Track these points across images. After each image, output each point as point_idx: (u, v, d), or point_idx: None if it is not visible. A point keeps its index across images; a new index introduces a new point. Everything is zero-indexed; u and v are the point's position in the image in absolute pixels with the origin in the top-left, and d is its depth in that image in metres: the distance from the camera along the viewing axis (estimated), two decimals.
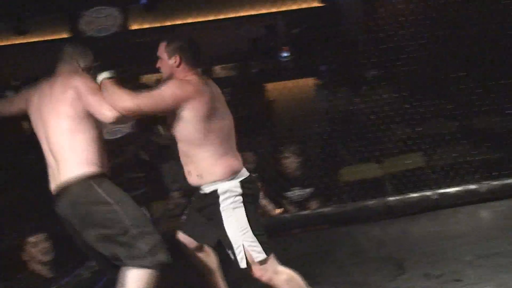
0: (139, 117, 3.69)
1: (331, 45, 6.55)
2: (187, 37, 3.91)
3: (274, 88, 7.52)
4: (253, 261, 3.56)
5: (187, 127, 3.53)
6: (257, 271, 3.60)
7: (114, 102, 3.46)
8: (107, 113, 3.46)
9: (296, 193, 5.95)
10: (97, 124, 3.62)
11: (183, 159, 3.68)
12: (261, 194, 5.70)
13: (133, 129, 5.16)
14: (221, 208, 3.56)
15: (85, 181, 3.52)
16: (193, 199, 3.88)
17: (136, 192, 5.14)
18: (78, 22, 5.48)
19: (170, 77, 3.65)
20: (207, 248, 3.95)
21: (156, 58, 3.71)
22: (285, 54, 7.71)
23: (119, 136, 5.10)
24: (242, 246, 3.55)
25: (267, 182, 5.89)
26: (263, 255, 3.56)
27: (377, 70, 6.84)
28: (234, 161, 3.64)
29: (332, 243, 5.34)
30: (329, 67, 6.94)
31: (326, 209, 5.83)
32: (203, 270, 3.97)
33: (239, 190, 3.58)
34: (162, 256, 3.52)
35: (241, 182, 3.60)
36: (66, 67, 3.74)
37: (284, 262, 4.88)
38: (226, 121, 3.66)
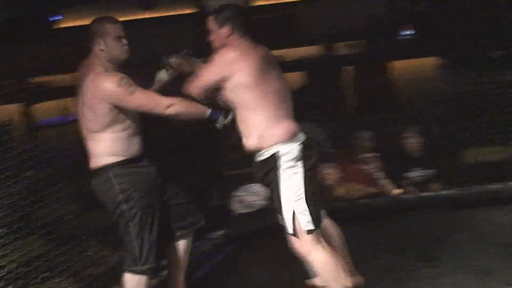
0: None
1: (455, 24, 6.38)
2: (234, 6, 3.87)
3: (396, 67, 7.43)
4: (300, 230, 3.54)
5: (241, 92, 3.55)
6: (299, 241, 3.57)
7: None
8: None
9: (417, 174, 5.90)
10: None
11: (241, 126, 3.66)
12: (381, 173, 5.75)
13: None
14: (281, 170, 3.55)
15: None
16: (254, 172, 3.81)
17: None
18: None
19: (223, 47, 3.65)
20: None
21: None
22: (407, 32, 7.59)
23: None
24: (292, 212, 3.54)
25: (388, 161, 5.86)
26: (311, 225, 3.54)
27: (503, 50, 6.62)
28: (292, 124, 3.61)
29: (452, 226, 5.25)
30: (453, 46, 6.76)
31: (448, 192, 5.75)
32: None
33: (300, 154, 3.55)
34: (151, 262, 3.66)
35: (301, 145, 3.57)
36: None
37: (402, 243, 4.95)
38: (280, 84, 3.63)
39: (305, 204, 3.54)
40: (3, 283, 3.74)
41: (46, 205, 4.39)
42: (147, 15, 7.16)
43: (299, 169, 3.55)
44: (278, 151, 3.55)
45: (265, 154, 3.61)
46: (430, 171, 5.95)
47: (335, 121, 6.17)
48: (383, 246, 4.98)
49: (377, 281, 4.31)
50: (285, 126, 3.57)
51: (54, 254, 4.16)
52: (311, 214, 3.54)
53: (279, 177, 3.55)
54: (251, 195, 5.37)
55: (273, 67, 3.65)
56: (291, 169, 3.54)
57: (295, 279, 4.18)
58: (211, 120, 3.69)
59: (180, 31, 6.80)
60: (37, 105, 5.31)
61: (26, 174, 4.41)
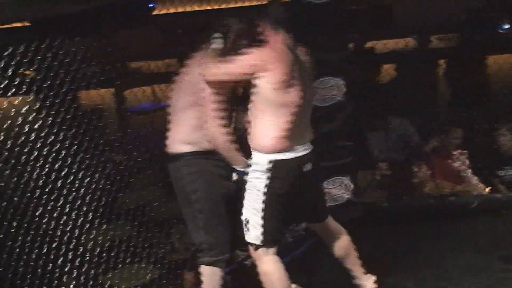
0: None
1: None
2: (271, 2, 3.81)
3: (492, 62, 7.21)
4: (249, 239, 3.56)
5: (258, 92, 3.47)
6: (250, 248, 3.60)
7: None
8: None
9: (509, 172, 5.73)
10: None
11: (250, 120, 3.60)
12: (470, 171, 5.61)
13: (344, 97, 5.22)
14: (248, 177, 3.53)
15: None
16: None
17: (344, 160, 5.24)
18: None
19: (259, 43, 3.57)
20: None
21: None
22: (506, 26, 7.35)
23: (330, 103, 5.19)
24: (246, 220, 3.52)
25: (480, 159, 5.72)
26: (258, 241, 3.52)
27: None
28: (284, 139, 3.47)
29: None
30: None
31: None
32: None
33: (269, 169, 3.47)
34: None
35: (276, 161, 3.48)
36: None
37: (485, 243, 4.84)
38: (300, 97, 3.48)
39: (261, 219, 3.50)
40: (87, 266, 3.90)
41: (133, 191, 4.54)
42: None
43: (262, 183, 3.49)
44: (251, 158, 3.56)
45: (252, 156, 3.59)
46: None
47: (426, 116, 6.06)
48: (468, 245, 4.87)
49: (459, 280, 4.24)
50: (274, 138, 3.46)
51: (138, 240, 4.32)
52: (264, 231, 3.51)
53: (245, 183, 3.55)
54: (337, 188, 5.36)
55: (302, 76, 3.53)
56: (255, 179, 3.51)
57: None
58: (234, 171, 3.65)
59: None
60: (129, 91, 5.46)
61: (116, 160, 4.58)
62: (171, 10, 6.10)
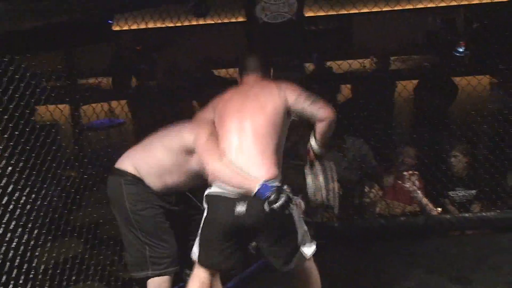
0: None
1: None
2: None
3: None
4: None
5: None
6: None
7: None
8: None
9: (459, 194, 5.82)
10: None
11: None
12: (421, 192, 5.67)
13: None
14: None
15: None
16: None
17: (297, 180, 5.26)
18: (253, 8, 5.60)
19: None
20: None
21: None
22: (461, 50, 7.50)
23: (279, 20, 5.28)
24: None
25: (431, 179, 5.80)
26: (194, 256, 3.66)
27: None
28: (217, 173, 3.47)
29: (490, 248, 5.19)
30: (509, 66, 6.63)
31: (490, 214, 5.63)
32: None
33: (206, 199, 3.54)
34: None
35: (207, 194, 3.54)
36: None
37: (436, 263, 4.90)
38: (232, 133, 3.52)
39: (198, 240, 3.62)
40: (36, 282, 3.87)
41: (85, 207, 4.52)
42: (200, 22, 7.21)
43: (205, 210, 3.56)
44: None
45: None
46: (472, 191, 5.84)
47: (381, 136, 6.12)
48: (418, 265, 4.94)
49: None
50: (212, 170, 3.48)
51: (87, 257, 4.29)
52: (199, 251, 3.61)
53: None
54: None
55: (241, 109, 3.59)
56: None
57: None
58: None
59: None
60: (85, 107, 5.47)
61: (70, 174, 4.55)
62: (130, 27, 6.09)
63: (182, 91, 6.76)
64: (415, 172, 5.63)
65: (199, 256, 3.60)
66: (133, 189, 3.72)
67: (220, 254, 3.55)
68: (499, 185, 5.78)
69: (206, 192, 3.52)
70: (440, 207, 5.73)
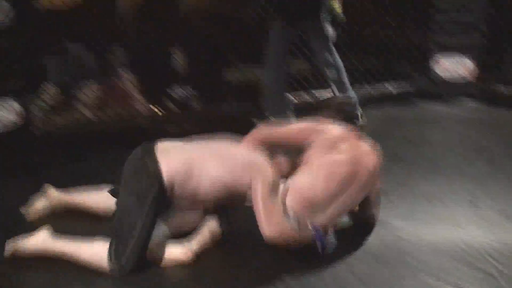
0: None
1: None
2: None
3: None
4: None
5: None
6: None
7: None
8: None
9: (178, 92, 5.91)
10: None
11: None
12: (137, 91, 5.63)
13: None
14: None
15: None
16: None
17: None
18: None
19: None
20: None
21: None
22: None
23: None
24: None
25: (149, 78, 5.81)
26: None
27: None
28: None
29: None
30: None
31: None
32: None
33: None
34: None
35: None
36: None
37: None
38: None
39: None
40: None
41: None
42: None
43: None
44: None
45: None
46: (191, 89, 5.95)
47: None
48: None
49: None
50: None
51: None
52: None
53: None
54: (5, 112, 5.14)
55: None
56: None
57: None
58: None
59: None
60: None
61: None
62: None
63: None
64: (130, 71, 5.60)
65: None
66: None
67: None
68: (216, 82, 5.94)
69: None
70: (160, 105, 5.78)
